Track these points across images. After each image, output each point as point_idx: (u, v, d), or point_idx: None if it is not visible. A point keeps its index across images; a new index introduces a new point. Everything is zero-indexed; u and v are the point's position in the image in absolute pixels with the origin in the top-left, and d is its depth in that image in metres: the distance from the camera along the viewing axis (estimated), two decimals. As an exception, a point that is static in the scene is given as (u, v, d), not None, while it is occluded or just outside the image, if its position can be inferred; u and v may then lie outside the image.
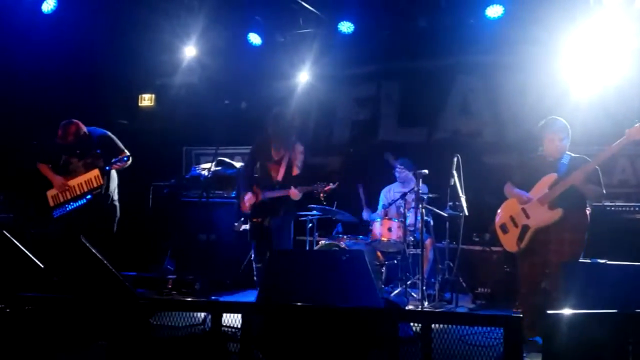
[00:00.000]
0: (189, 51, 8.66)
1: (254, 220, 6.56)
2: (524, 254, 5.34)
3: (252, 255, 6.69)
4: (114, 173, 6.83)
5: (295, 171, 6.43)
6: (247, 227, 6.95)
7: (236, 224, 7.15)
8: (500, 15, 7.73)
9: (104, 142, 6.76)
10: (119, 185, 6.95)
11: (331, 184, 6.18)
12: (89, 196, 6.59)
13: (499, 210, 5.66)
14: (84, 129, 6.67)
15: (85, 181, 6.62)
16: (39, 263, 4.78)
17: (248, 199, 6.51)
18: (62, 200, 6.67)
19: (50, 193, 6.72)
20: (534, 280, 5.30)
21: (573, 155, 5.30)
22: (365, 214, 7.94)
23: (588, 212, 5.35)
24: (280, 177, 6.45)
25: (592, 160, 5.10)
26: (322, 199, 6.28)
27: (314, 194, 6.23)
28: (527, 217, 5.30)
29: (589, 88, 7.70)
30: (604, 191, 5.21)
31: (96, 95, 8.27)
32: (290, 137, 6.54)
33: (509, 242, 5.46)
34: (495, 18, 7.76)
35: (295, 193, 6.22)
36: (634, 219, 6.54)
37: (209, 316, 3.89)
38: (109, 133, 6.85)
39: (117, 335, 3.25)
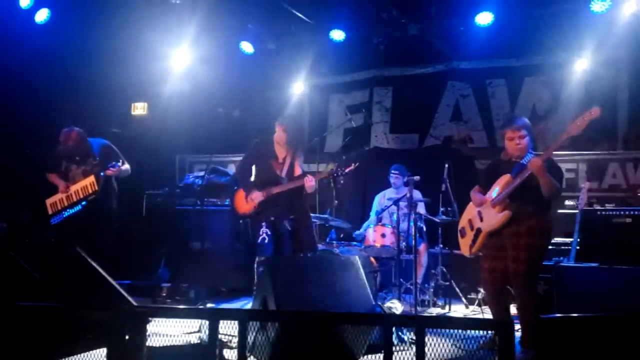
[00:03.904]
0: (181, 59, 8.69)
1: (271, 219, 6.01)
2: (484, 259, 5.01)
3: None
4: (113, 181, 6.84)
5: (298, 171, 6.20)
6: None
7: (263, 231, 6.38)
8: (490, 23, 7.81)
9: (105, 151, 6.80)
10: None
11: (352, 164, 5.90)
12: (84, 202, 6.61)
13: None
14: (86, 137, 6.74)
15: (81, 188, 6.64)
16: (34, 273, 4.80)
17: (256, 196, 6.03)
18: (59, 207, 6.69)
19: (49, 201, 6.74)
20: (495, 287, 4.96)
21: (534, 154, 4.88)
22: (356, 232, 7.96)
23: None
24: (284, 174, 6.14)
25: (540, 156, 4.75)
26: (341, 182, 6.06)
27: (334, 177, 5.96)
28: (481, 220, 5.05)
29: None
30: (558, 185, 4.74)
31: (89, 104, 8.27)
32: (303, 138, 6.56)
33: (464, 246, 5.25)
34: (485, 25, 7.84)
35: (309, 180, 5.88)
36: (624, 223, 6.59)
37: (206, 324, 3.91)
38: (109, 142, 6.91)
39: (114, 343, 3.26)
